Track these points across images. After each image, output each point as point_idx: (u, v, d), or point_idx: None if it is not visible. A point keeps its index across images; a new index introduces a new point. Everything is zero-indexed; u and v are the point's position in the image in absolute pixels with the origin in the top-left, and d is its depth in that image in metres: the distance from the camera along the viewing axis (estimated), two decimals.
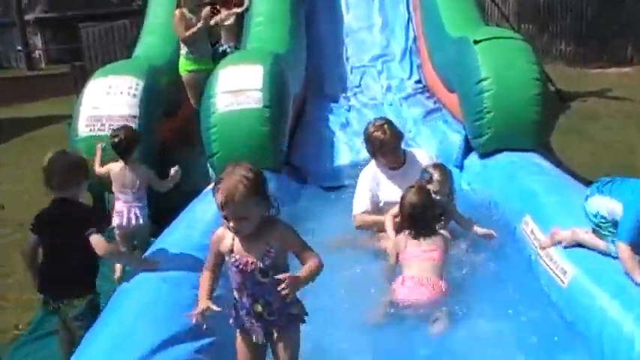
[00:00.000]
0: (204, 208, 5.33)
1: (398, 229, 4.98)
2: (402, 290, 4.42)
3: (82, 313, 3.98)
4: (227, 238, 3.29)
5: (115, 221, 5.71)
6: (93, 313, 3.97)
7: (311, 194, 6.94)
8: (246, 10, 9.59)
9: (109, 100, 6.94)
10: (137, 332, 3.39)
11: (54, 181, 4.03)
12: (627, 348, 3.30)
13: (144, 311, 3.62)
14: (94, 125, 6.80)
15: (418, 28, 10.05)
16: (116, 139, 5.75)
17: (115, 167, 5.77)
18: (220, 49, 9.50)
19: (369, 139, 5.65)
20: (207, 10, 8.83)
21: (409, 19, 10.35)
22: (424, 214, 4.71)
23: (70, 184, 4.06)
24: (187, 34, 8.43)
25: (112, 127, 6.69)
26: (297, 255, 3.26)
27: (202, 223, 4.90)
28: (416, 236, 4.65)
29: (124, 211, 5.71)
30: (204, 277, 3.36)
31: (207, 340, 3.45)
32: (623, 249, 3.73)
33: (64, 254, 3.95)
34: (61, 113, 9.74)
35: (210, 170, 6.99)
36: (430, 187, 5.10)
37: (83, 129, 6.81)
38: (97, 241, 3.86)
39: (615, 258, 3.84)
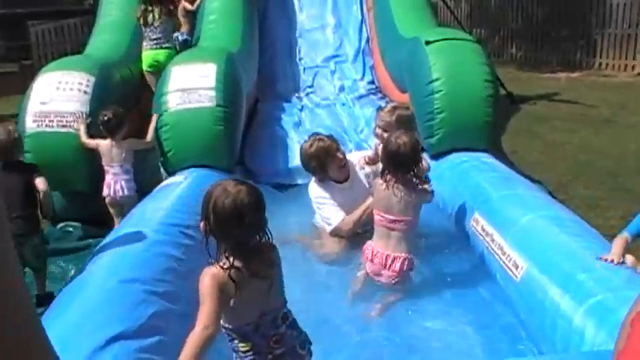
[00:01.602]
0: (155, 206, 5.27)
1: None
2: (369, 265, 4.61)
3: (38, 245, 5.23)
4: None
5: (105, 191, 6.38)
6: (44, 247, 5.50)
7: (263, 194, 6.88)
8: (199, 6, 9.61)
9: (58, 95, 6.76)
10: (84, 330, 3.31)
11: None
12: (578, 341, 3.34)
13: (91, 308, 3.54)
14: (41, 121, 6.61)
15: (371, 29, 10.09)
16: (106, 117, 6.45)
17: (103, 143, 6.44)
18: (180, 38, 9.58)
19: (312, 155, 5.36)
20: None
21: (362, 20, 10.38)
22: (406, 157, 4.55)
23: (15, 151, 5.31)
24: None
25: (60, 124, 6.59)
26: None
27: (153, 221, 4.84)
28: (395, 183, 4.56)
29: (112, 183, 6.41)
30: None
31: (155, 339, 3.39)
32: (620, 238, 3.75)
33: (18, 197, 5.06)
34: (9, 113, 9.51)
35: (162, 169, 6.91)
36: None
37: (31, 125, 6.62)
38: (40, 180, 5.19)
39: None
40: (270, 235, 2.95)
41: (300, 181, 7.11)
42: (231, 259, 2.83)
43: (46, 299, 4.85)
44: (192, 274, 4.36)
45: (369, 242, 4.69)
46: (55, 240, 6.48)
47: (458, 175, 6.14)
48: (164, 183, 6.20)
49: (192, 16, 9.77)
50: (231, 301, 2.81)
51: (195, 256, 4.57)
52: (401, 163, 4.57)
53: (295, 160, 7.56)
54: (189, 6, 9.88)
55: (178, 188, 5.80)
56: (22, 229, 5.04)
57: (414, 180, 4.62)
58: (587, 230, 4.40)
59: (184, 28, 9.72)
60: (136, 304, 3.56)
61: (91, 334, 3.25)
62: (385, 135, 5.17)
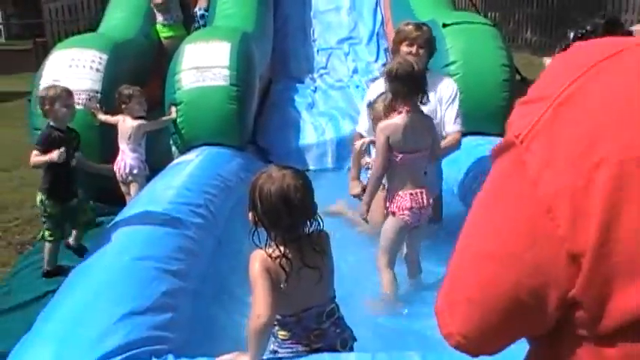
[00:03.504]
0: (165, 184, 5.25)
1: (386, 113, 4.35)
2: (411, 216, 4.25)
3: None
4: None
5: (114, 168, 6.31)
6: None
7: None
8: None
9: (71, 73, 6.72)
10: (96, 307, 3.30)
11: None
12: None
13: (104, 286, 3.53)
14: None
15: (386, 11, 9.99)
16: (116, 95, 6.38)
17: (112, 119, 6.42)
18: (199, 12, 9.78)
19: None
20: None
21: (377, 3, 10.27)
22: (420, 75, 4.20)
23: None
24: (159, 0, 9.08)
25: None
26: None
27: (163, 200, 4.82)
28: (413, 112, 4.19)
29: (119, 160, 6.28)
30: None
31: (166, 316, 3.37)
32: None
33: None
34: (22, 90, 9.49)
35: (174, 147, 6.89)
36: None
37: None
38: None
39: None
40: (321, 221, 2.87)
41: (310, 164, 7.14)
42: (281, 248, 2.78)
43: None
44: (202, 252, 4.39)
45: (399, 194, 4.23)
46: None
47: (473, 159, 6.09)
48: (176, 161, 6.19)
49: None
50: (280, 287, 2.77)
51: (205, 235, 4.58)
52: (418, 84, 4.18)
53: (307, 141, 7.56)
54: None
55: (189, 166, 5.78)
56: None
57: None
58: None
59: (202, 4, 9.82)
60: (148, 281, 3.55)
61: (103, 311, 3.24)
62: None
